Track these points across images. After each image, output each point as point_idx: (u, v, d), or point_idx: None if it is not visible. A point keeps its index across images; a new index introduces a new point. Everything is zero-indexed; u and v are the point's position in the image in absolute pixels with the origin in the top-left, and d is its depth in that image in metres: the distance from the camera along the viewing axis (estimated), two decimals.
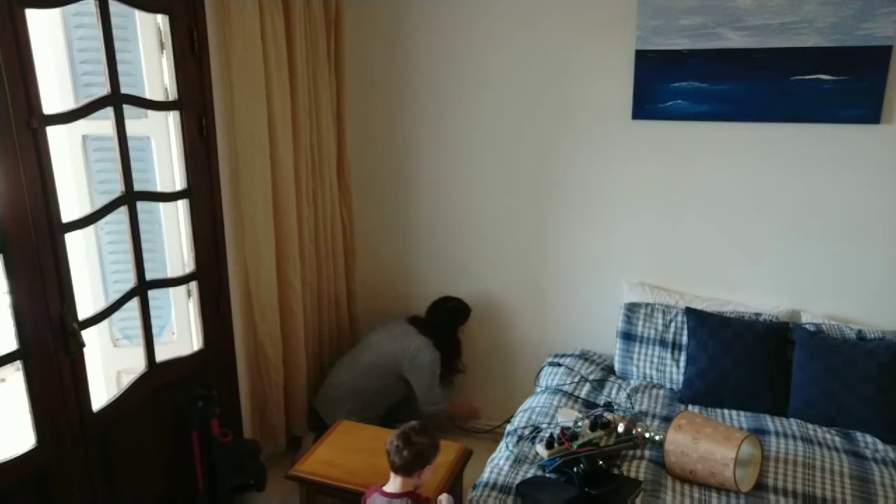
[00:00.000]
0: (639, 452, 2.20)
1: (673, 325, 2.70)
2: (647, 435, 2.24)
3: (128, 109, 2.21)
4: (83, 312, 2.09)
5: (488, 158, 3.10)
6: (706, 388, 2.52)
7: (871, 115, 2.45)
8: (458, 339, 3.18)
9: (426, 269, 3.34)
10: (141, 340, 2.39)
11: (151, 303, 2.41)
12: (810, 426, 2.34)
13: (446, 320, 3.15)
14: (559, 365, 2.83)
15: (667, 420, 2.41)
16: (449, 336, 3.13)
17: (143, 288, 2.35)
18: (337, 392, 2.98)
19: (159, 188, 2.51)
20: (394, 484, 2.01)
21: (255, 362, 2.90)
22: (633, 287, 2.91)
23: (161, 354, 2.45)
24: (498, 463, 2.18)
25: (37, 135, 1.86)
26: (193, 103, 2.46)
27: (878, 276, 2.59)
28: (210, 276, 2.63)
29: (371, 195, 3.37)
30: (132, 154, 2.25)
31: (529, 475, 2.09)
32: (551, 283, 3.12)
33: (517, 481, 2.05)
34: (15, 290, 1.87)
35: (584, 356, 2.89)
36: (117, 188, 2.24)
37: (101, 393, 2.28)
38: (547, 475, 2.07)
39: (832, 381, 2.35)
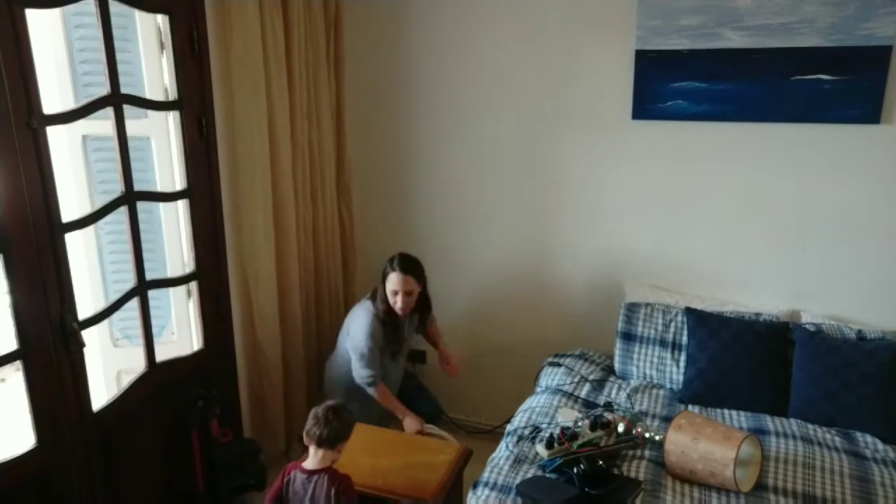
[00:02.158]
0: (639, 452, 2.20)
1: (673, 325, 2.70)
2: (647, 435, 2.24)
3: (128, 109, 2.21)
4: (83, 312, 2.09)
5: (488, 158, 3.10)
6: (706, 388, 2.52)
7: (871, 115, 2.45)
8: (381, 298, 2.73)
9: (427, 269, 3.34)
10: (141, 340, 2.39)
11: (151, 303, 2.41)
12: (810, 426, 2.34)
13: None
14: (559, 365, 2.83)
15: (667, 420, 2.41)
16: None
17: (143, 288, 2.35)
18: (329, 393, 2.91)
19: (159, 188, 2.51)
20: (314, 459, 2.05)
21: (253, 363, 2.90)
22: (633, 287, 2.91)
23: (161, 354, 2.45)
24: (498, 463, 2.18)
25: (37, 135, 1.86)
26: (193, 103, 2.46)
27: (878, 276, 2.59)
28: (210, 276, 2.63)
29: (371, 195, 3.37)
30: (132, 154, 2.25)
31: (529, 475, 2.09)
32: (551, 283, 3.12)
33: (517, 481, 2.05)
34: (15, 290, 1.87)
35: (584, 356, 2.89)
36: (117, 188, 2.25)
37: (101, 393, 2.28)
38: (547, 475, 2.07)
39: (832, 381, 2.35)
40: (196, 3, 2.41)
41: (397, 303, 2.68)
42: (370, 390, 2.71)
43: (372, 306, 2.74)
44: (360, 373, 2.71)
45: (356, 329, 2.74)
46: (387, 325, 2.72)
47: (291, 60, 2.82)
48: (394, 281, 2.67)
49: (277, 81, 2.74)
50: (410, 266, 2.69)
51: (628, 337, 2.76)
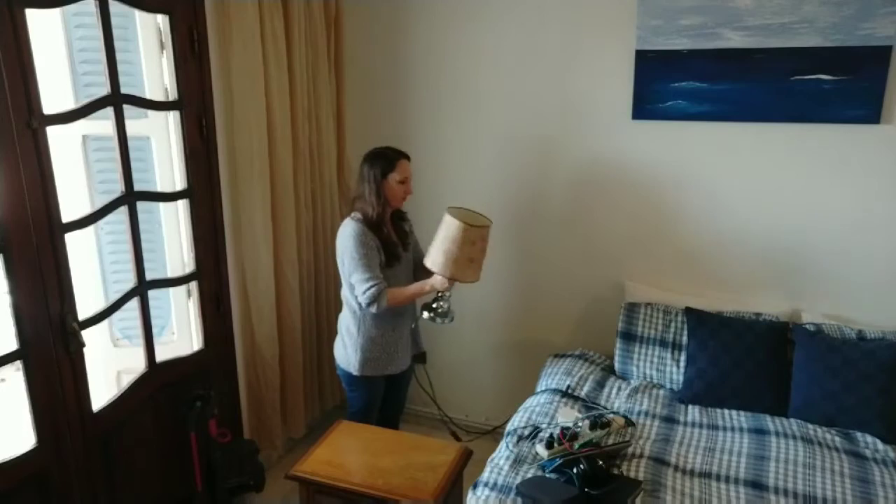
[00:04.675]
0: (639, 451, 2.20)
1: (673, 325, 2.70)
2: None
3: (128, 109, 2.21)
4: (83, 312, 2.09)
5: (488, 158, 3.10)
6: (706, 388, 2.52)
7: (871, 115, 2.45)
8: (382, 194, 2.46)
9: None
10: (141, 340, 2.39)
11: (151, 303, 2.41)
12: (810, 426, 2.34)
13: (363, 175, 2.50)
14: (559, 365, 2.83)
15: (667, 420, 2.41)
16: (377, 197, 2.47)
17: (143, 288, 2.35)
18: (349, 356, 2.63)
19: (159, 188, 2.51)
20: None
21: (252, 363, 2.90)
22: (633, 287, 2.91)
23: (161, 354, 2.45)
24: (498, 463, 2.18)
25: (37, 135, 1.87)
26: (193, 103, 2.46)
27: (878, 276, 2.59)
28: (210, 276, 2.63)
29: None
30: (132, 154, 2.26)
31: (529, 475, 2.09)
32: (551, 283, 3.12)
33: (517, 481, 2.05)
34: (15, 290, 1.87)
35: (584, 356, 2.89)
36: (117, 188, 2.25)
37: (101, 393, 2.28)
38: (547, 475, 2.07)
39: (832, 381, 2.35)
40: (196, 3, 2.41)
41: (408, 191, 2.52)
42: (381, 303, 2.40)
43: (351, 219, 2.49)
44: (361, 289, 2.41)
45: (343, 246, 2.47)
46: (376, 227, 2.48)
47: (291, 60, 2.82)
48: (405, 168, 2.49)
49: (277, 81, 2.74)
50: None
51: (628, 337, 2.76)
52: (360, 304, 2.48)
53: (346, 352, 2.60)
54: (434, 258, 2.35)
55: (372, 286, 2.41)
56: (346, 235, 2.47)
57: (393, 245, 2.54)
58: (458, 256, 2.29)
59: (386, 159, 2.48)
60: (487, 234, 2.37)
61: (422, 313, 2.42)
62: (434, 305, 2.40)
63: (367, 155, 2.53)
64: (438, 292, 2.43)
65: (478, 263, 2.35)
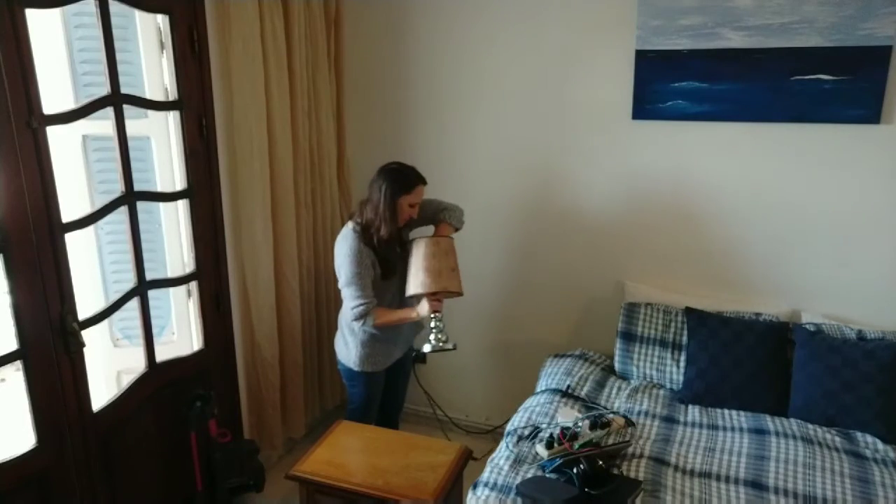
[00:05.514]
0: (639, 451, 2.20)
1: (673, 325, 2.70)
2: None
3: (128, 109, 2.21)
4: (83, 312, 2.09)
5: (488, 158, 3.10)
6: (706, 388, 2.52)
7: (871, 115, 2.45)
8: (390, 211, 2.42)
9: None
10: (141, 340, 2.39)
11: (151, 303, 2.41)
12: (810, 426, 2.34)
13: (376, 190, 2.45)
14: (559, 365, 2.83)
15: (667, 420, 2.41)
16: (386, 212, 2.42)
17: (143, 288, 2.35)
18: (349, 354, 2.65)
19: (159, 188, 2.51)
20: None
21: (252, 363, 2.90)
22: (633, 287, 2.91)
23: (161, 354, 2.45)
24: (498, 463, 2.18)
25: (37, 135, 1.87)
26: (193, 103, 2.46)
27: (879, 276, 2.59)
28: (210, 276, 2.63)
29: None
30: (132, 154, 2.26)
31: (529, 475, 2.09)
32: (551, 283, 3.12)
33: (517, 481, 2.05)
34: (15, 290, 1.87)
35: (584, 356, 2.89)
36: (117, 188, 2.25)
37: (101, 393, 2.28)
38: (547, 475, 2.07)
39: (832, 381, 2.35)
40: (196, 3, 2.41)
41: (414, 214, 2.51)
42: (367, 322, 2.45)
43: (352, 231, 2.46)
44: (350, 304, 2.45)
45: (340, 257, 2.47)
46: (372, 242, 2.45)
47: (291, 60, 2.82)
48: (419, 194, 2.48)
49: (277, 81, 2.74)
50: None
51: (628, 337, 2.76)
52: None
53: (347, 348, 2.61)
54: (408, 282, 2.47)
55: (361, 305, 2.45)
56: (344, 251, 2.46)
57: (389, 262, 2.53)
58: (419, 269, 2.42)
59: (405, 181, 2.44)
60: (445, 244, 2.47)
61: (423, 348, 2.50)
62: (431, 338, 2.46)
63: (387, 168, 2.48)
64: (429, 319, 2.46)
65: (440, 271, 2.41)
